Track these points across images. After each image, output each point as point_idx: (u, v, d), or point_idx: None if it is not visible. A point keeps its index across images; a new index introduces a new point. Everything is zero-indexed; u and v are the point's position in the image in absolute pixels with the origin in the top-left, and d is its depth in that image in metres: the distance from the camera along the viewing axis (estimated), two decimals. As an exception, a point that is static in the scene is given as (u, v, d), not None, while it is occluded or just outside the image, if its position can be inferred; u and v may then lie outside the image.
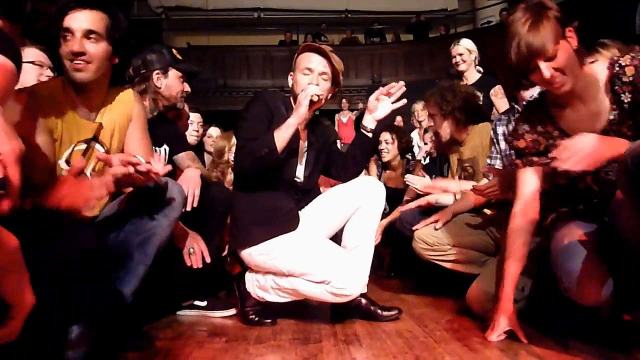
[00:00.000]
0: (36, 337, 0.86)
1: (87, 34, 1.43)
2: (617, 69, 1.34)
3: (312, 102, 1.73)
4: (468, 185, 2.35)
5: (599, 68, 1.39)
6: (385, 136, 3.49)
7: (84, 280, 1.27)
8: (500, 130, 2.20)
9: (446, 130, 2.49)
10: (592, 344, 1.43)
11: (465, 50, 3.66)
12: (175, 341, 1.63)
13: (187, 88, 2.16)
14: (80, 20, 1.42)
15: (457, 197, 2.32)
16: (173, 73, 2.08)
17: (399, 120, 6.03)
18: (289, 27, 12.54)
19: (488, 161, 2.24)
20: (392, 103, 1.93)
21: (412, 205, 2.55)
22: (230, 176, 2.88)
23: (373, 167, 3.67)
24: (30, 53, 1.99)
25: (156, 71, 2.05)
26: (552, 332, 1.56)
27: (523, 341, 1.45)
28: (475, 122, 2.53)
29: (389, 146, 3.49)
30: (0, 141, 0.63)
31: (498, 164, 2.18)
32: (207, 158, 3.40)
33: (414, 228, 2.25)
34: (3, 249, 0.57)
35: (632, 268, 1.19)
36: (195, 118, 3.32)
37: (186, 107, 2.66)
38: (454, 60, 3.65)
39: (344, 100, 8.85)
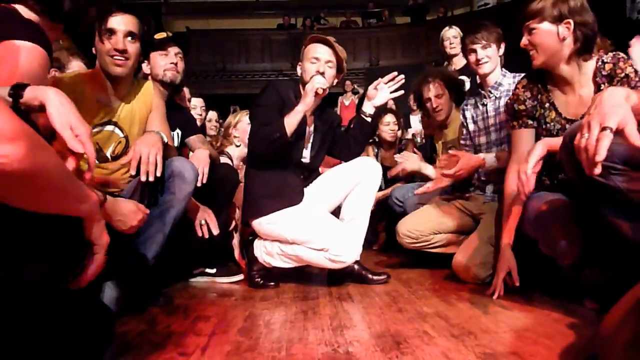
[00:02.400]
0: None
1: (128, 34, 1.68)
2: (600, 64, 1.60)
3: (317, 94, 1.94)
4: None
5: (590, 63, 1.66)
6: (392, 118, 3.69)
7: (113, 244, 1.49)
8: (468, 114, 2.40)
9: (448, 110, 2.71)
10: (553, 297, 1.66)
11: (458, 34, 3.86)
12: (191, 300, 1.87)
13: (172, 59, 2.21)
14: (123, 22, 1.68)
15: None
16: (152, 55, 2.21)
17: (390, 103, 6.24)
18: (287, 11, 12.60)
19: (462, 142, 2.44)
20: (391, 93, 2.15)
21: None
22: (229, 149, 3.10)
23: (369, 148, 3.87)
24: (76, 66, 2.19)
25: (144, 62, 2.20)
26: (522, 290, 1.79)
27: (515, 284, 1.66)
28: (458, 105, 2.75)
29: (395, 127, 3.70)
30: (76, 124, 0.83)
31: (469, 144, 2.39)
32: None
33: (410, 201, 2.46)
34: (90, 202, 0.78)
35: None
36: (198, 103, 3.51)
37: (186, 91, 2.83)
38: (447, 42, 3.84)
39: (347, 82, 8.94)
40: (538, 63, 1.67)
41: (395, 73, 2.15)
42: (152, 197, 1.63)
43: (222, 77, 11.70)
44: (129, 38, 1.68)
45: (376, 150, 3.90)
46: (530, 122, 1.80)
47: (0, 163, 0.53)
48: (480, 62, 2.25)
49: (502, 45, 2.30)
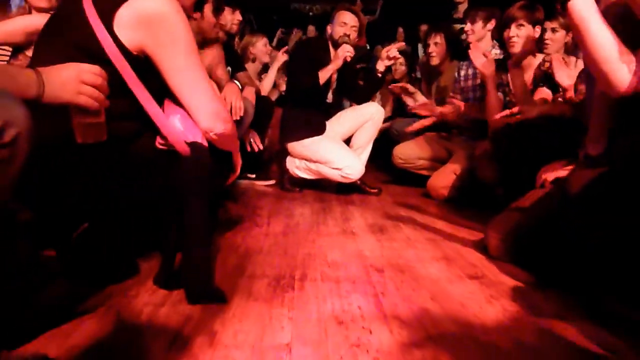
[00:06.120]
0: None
1: None
2: (541, 61, 2.29)
3: (345, 59, 2.65)
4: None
5: (537, 58, 2.34)
6: (400, 59, 4.29)
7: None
8: (463, 72, 3.07)
9: (441, 58, 3.36)
10: (485, 210, 2.49)
11: None
12: (243, 195, 2.73)
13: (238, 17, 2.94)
14: None
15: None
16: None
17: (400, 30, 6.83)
18: None
19: (451, 94, 3.14)
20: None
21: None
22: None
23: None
24: None
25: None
26: (467, 205, 2.62)
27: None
28: (454, 58, 3.41)
29: (402, 67, 4.32)
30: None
31: (458, 98, 3.08)
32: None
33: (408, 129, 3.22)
34: (237, 144, 1.55)
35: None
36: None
37: None
38: None
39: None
40: (516, 50, 2.35)
41: (403, 44, 2.83)
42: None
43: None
44: None
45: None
46: None
47: (225, 131, 1.29)
48: (467, 33, 2.91)
49: (492, 22, 2.91)
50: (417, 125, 3.23)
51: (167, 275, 1.29)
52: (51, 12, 2.02)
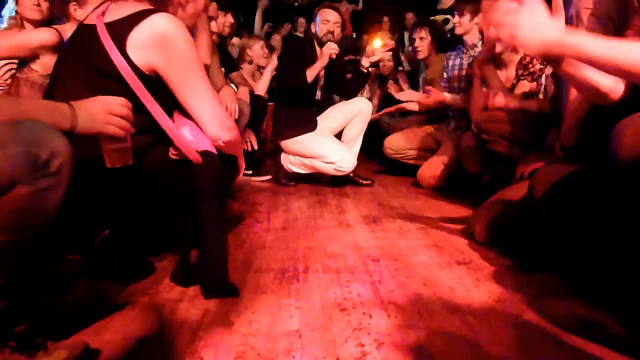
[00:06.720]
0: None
1: None
2: (523, 55, 2.38)
3: (330, 56, 2.75)
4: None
5: (520, 54, 2.44)
6: (387, 55, 4.41)
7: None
8: (451, 62, 3.19)
9: (427, 52, 3.48)
10: (474, 199, 2.64)
11: None
12: (241, 192, 2.84)
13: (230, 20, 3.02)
14: None
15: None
16: None
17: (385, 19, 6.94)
18: None
19: (442, 83, 3.27)
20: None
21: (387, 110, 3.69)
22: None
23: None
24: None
25: None
26: (455, 194, 2.76)
27: None
28: (440, 51, 3.53)
29: (389, 63, 4.43)
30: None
31: (446, 86, 3.21)
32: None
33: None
34: (241, 149, 1.66)
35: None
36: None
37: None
38: None
39: None
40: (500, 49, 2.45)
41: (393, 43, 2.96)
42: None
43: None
44: None
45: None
46: None
47: (230, 138, 1.40)
48: (455, 25, 3.02)
49: (479, 15, 3.02)
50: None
51: (183, 273, 1.41)
52: (44, 24, 2.10)
